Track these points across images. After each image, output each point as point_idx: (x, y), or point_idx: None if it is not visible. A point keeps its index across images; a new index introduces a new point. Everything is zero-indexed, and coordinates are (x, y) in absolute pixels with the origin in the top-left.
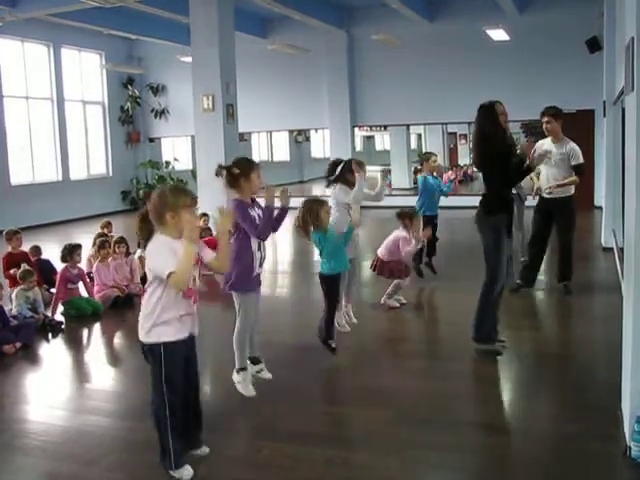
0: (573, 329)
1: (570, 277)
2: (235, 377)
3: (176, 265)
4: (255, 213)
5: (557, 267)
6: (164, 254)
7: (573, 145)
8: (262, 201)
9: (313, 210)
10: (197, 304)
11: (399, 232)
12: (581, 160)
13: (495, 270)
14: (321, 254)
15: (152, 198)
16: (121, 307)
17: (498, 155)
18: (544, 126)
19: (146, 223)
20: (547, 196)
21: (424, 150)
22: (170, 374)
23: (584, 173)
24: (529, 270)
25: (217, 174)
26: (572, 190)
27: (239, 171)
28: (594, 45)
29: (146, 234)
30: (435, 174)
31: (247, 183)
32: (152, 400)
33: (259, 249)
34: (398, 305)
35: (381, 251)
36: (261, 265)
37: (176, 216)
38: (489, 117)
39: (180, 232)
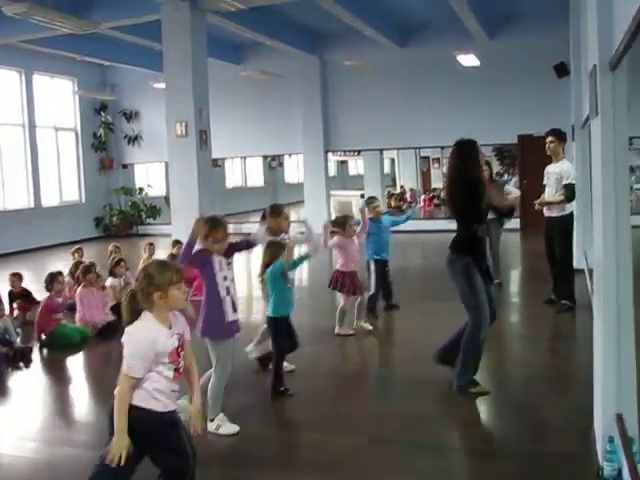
0: (546, 349)
1: (569, 296)
2: (211, 425)
3: (127, 381)
4: (220, 258)
5: (556, 285)
6: (140, 352)
7: (568, 166)
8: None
9: (273, 253)
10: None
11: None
12: (571, 180)
13: (478, 312)
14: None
15: (139, 278)
16: (103, 334)
17: (472, 196)
18: (547, 145)
19: (134, 304)
20: (545, 215)
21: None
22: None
23: (574, 193)
24: (553, 289)
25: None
26: (567, 209)
27: (209, 226)
28: (562, 70)
29: (133, 315)
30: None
31: (215, 240)
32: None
33: (228, 294)
34: (351, 332)
35: (337, 263)
36: (235, 310)
37: (164, 296)
38: (465, 155)
39: (170, 309)
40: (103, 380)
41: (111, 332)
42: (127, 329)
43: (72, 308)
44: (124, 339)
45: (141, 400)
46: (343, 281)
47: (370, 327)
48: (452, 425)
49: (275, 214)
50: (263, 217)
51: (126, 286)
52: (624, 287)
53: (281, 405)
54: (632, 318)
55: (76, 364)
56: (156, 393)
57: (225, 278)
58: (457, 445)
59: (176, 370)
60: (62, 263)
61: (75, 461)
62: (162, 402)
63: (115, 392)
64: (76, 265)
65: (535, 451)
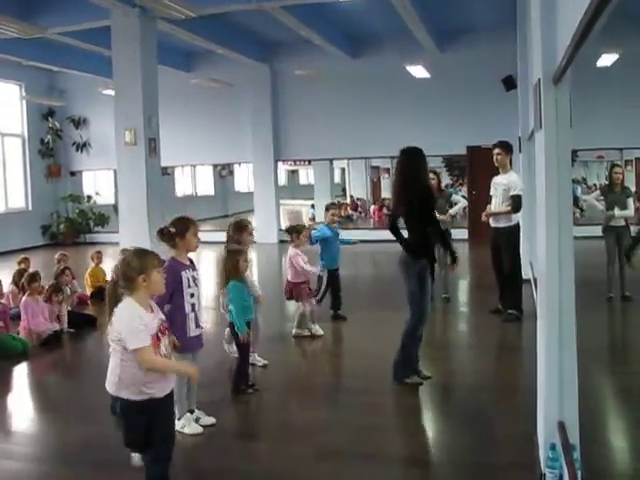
0: (492, 359)
1: (516, 305)
2: (178, 424)
3: (149, 350)
4: (189, 275)
5: (502, 295)
6: (136, 324)
7: (515, 177)
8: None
9: (233, 259)
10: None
11: (290, 250)
12: (518, 192)
13: (420, 312)
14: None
15: (120, 265)
16: (48, 344)
17: (424, 197)
18: (494, 157)
19: (116, 292)
20: (492, 225)
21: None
22: (129, 430)
23: (520, 204)
24: (499, 298)
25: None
26: (513, 220)
27: (175, 230)
28: (510, 83)
29: (115, 302)
30: (334, 225)
31: (182, 242)
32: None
33: (193, 310)
34: (308, 334)
35: (288, 274)
36: (198, 326)
37: (147, 278)
38: (415, 161)
39: (151, 293)
40: (47, 391)
41: (56, 342)
42: (115, 311)
43: (17, 317)
44: (115, 322)
45: (130, 394)
46: (305, 290)
47: (307, 333)
48: (399, 435)
49: (239, 230)
50: (228, 233)
51: (72, 295)
52: (566, 297)
53: (231, 415)
54: (574, 328)
55: (19, 374)
56: (143, 387)
57: (192, 295)
58: (403, 455)
59: None
60: (8, 272)
61: (17, 474)
62: (147, 392)
63: (147, 367)
64: (20, 273)
65: (480, 459)
